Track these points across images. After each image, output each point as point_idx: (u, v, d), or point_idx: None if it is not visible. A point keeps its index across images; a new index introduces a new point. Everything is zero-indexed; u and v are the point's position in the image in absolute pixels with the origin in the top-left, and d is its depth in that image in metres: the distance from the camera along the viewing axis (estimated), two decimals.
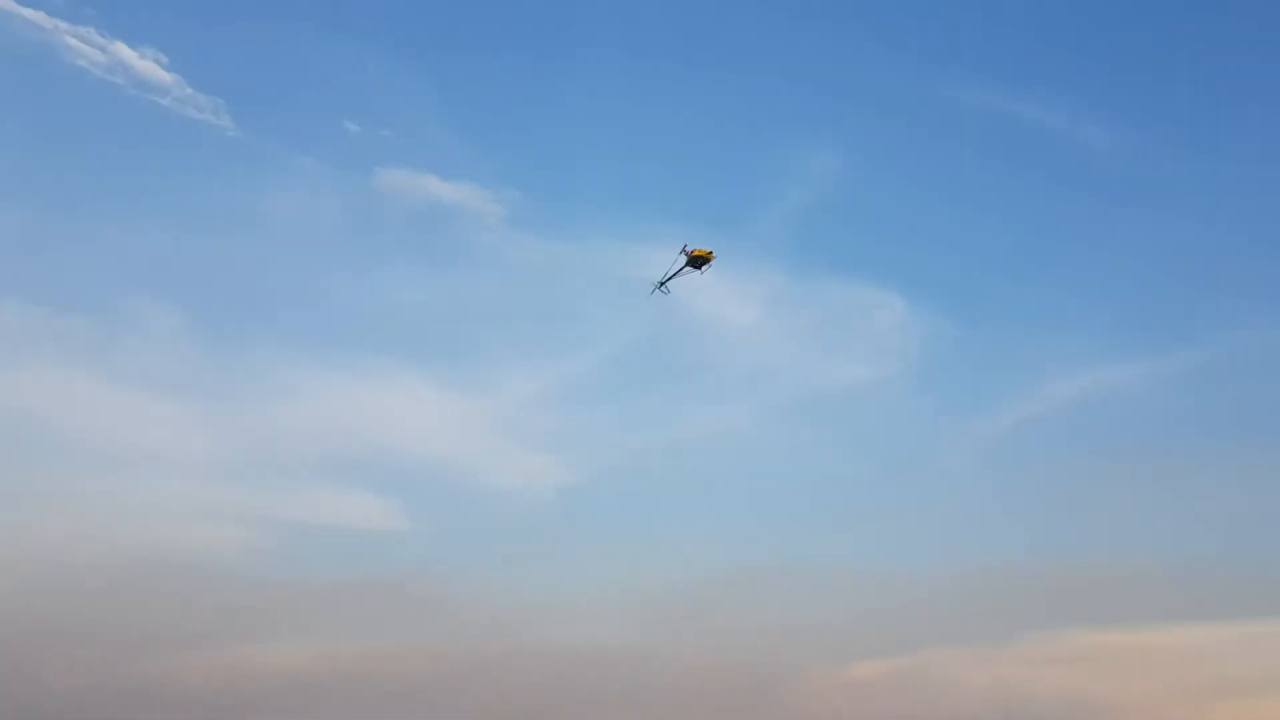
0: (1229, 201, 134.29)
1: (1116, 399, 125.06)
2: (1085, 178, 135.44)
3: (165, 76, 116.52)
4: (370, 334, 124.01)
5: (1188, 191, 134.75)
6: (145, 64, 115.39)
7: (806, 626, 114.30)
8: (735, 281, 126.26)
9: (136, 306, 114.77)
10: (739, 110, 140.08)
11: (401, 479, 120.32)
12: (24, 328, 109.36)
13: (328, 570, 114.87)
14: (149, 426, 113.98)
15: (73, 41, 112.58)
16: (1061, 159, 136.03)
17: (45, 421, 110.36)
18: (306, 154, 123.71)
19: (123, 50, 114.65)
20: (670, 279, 37.42)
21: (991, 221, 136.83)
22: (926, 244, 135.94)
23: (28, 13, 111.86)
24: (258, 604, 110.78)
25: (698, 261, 40.60)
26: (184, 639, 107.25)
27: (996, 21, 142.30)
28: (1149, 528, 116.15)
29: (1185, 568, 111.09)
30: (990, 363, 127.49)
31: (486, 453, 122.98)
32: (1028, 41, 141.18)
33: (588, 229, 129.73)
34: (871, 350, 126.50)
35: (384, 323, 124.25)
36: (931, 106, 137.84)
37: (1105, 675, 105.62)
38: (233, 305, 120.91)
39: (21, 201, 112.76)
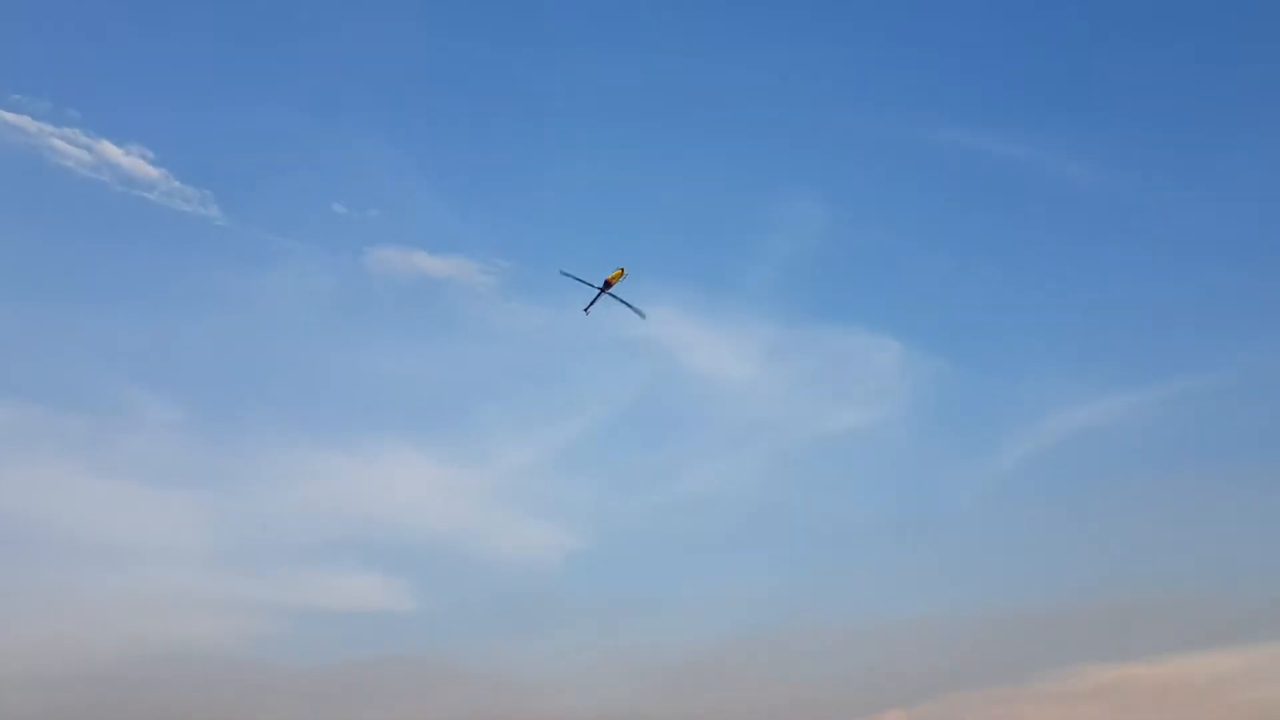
0: (1214, 228, 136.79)
1: (1119, 429, 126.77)
2: (1071, 213, 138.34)
3: (152, 171, 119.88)
4: (366, 411, 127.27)
5: (1174, 221, 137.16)
6: (131, 160, 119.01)
7: (824, 682, 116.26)
8: (730, 335, 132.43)
9: (133, 399, 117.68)
10: (722, 168, 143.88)
11: (405, 557, 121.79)
12: (23, 427, 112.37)
13: (337, 654, 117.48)
14: (149, 519, 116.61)
15: (59, 143, 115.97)
16: (1045, 195, 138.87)
17: (45, 520, 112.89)
18: (296, 238, 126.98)
19: (109, 149, 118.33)
20: (593, 305, 38.78)
21: (981, 260, 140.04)
22: (917, 286, 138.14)
23: (11, 117, 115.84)
24: (268, 693, 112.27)
25: (609, 285, 42.72)
26: None
27: (972, 62, 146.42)
28: (1162, 557, 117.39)
29: (1202, 595, 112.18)
30: (990, 401, 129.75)
31: (489, 524, 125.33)
32: (1004, 81, 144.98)
33: (578, 293, 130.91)
34: (870, 394, 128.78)
35: (379, 399, 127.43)
36: (912, 150, 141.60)
37: (1129, 709, 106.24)
38: (229, 392, 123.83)
39: (15, 301, 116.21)
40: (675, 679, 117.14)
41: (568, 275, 44.48)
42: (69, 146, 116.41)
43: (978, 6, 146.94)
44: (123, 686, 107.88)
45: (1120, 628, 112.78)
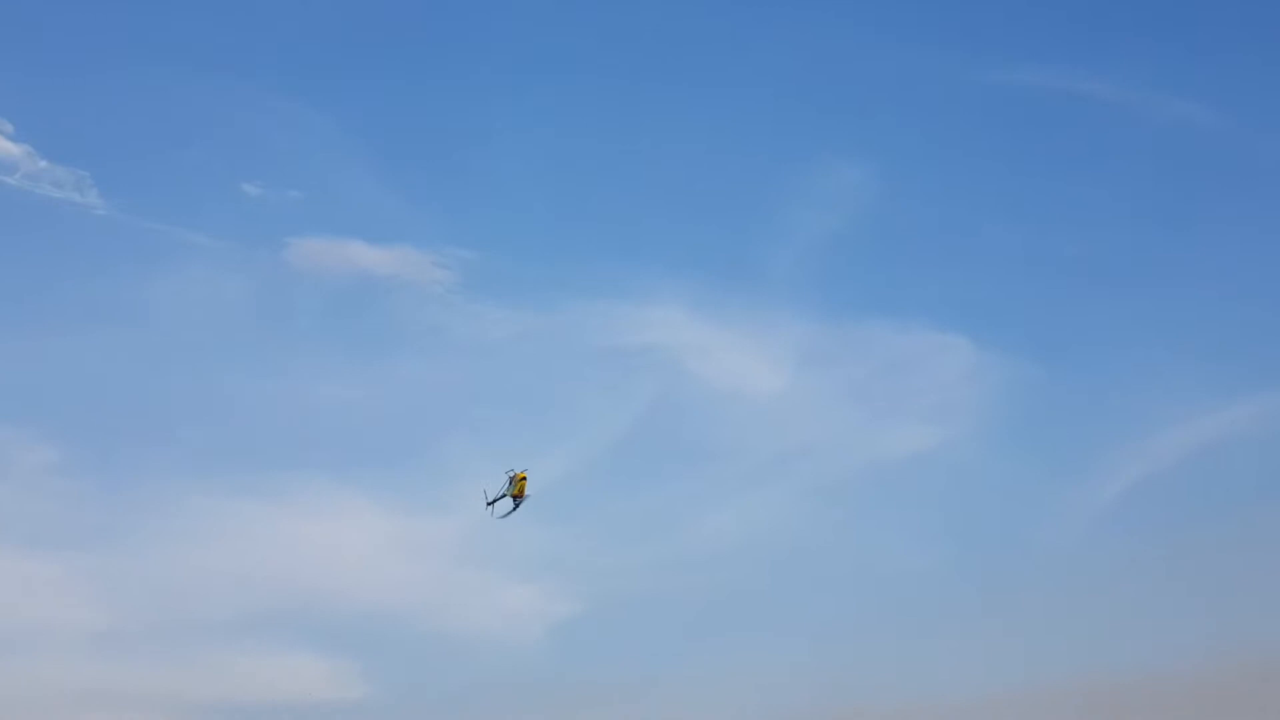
0: None
1: (1253, 445, 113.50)
2: (1188, 164, 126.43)
3: (12, 149, 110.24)
4: (295, 449, 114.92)
5: None
6: None
7: None
8: (754, 338, 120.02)
9: None
10: (737, 128, 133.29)
11: (350, 632, 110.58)
12: None
13: None
14: (22, 593, 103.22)
15: None
16: (1152, 143, 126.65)
17: None
18: (197, 229, 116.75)
19: None
20: (498, 500, 36.12)
21: (1071, 231, 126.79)
22: (991, 268, 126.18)
23: None
24: None
25: (517, 499, 38.87)
26: None
27: None
28: None
29: None
30: (1088, 411, 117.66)
31: (454, 589, 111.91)
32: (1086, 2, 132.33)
33: (562, 291, 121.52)
34: (935, 408, 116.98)
35: (310, 434, 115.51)
36: (976, 96, 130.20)
37: None
38: (119, 429, 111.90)
39: None
40: None
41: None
42: None
43: None
44: None
45: (1263, 699, 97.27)
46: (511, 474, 35.69)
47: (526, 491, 37.52)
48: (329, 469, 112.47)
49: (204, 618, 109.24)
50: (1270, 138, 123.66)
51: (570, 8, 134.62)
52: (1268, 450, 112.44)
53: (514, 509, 37.09)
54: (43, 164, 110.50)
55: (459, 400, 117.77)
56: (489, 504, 36.35)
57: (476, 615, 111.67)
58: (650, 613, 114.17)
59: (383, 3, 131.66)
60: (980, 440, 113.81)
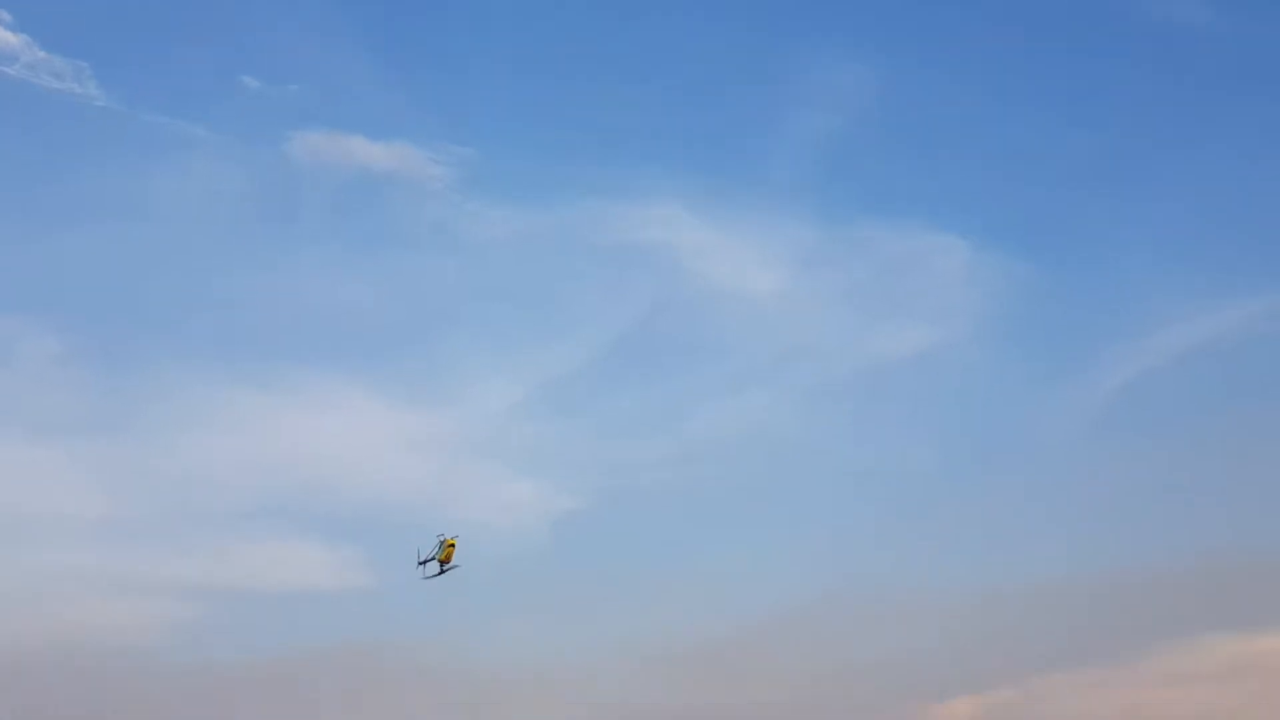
0: None
1: (1247, 345, 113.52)
2: (1191, 63, 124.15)
3: (11, 39, 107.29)
4: (298, 342, 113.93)
5: None
6: None
7: (880, 664, 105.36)
8: (753, 239, 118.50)
9: (3, 330, 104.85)
10: (737, 27, 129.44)
11: (356, 523, 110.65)
12: None
13: (274, 644, 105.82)
14: (31, 481, 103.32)
15: None
16: (1155, 38, 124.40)
17: None
18: (197, 122, 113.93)
19: None
20: (427, 561, 36.04)
21: (1073, 127, 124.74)
22: (991, 168, 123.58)
23: None
24: (192, 693, 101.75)
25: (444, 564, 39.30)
26: None
27: None
28: None
29: None
30: (1085, 309, 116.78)
31: (458, 482, 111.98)
32: None
33: (562, 189, 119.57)
34: (932, 310, 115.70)
35: (314, 327, 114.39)
36: None
37: (1263, 691, 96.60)
38: (121, 320, 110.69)
39: None
40: (689, 669, 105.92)
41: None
42: None
43: None
44: (13, 688, 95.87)
45: (1251, 592, 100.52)
46: (442, 539, 36.22)
47: (455, 559, 37.61)
48: (331, 362, 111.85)
49: (209, 507, 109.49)
50: (1273, 41, 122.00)
51: None
52: (1264, 350, 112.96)
53: (440, 572, 37.48)
54: (42, 54, 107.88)
55: (459, 297, 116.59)
56: (420, 563, 36.70)
57: (479, 508, 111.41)
58: (651, 507, 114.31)
59: None
60: (977, 340, 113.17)
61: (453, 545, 35.43)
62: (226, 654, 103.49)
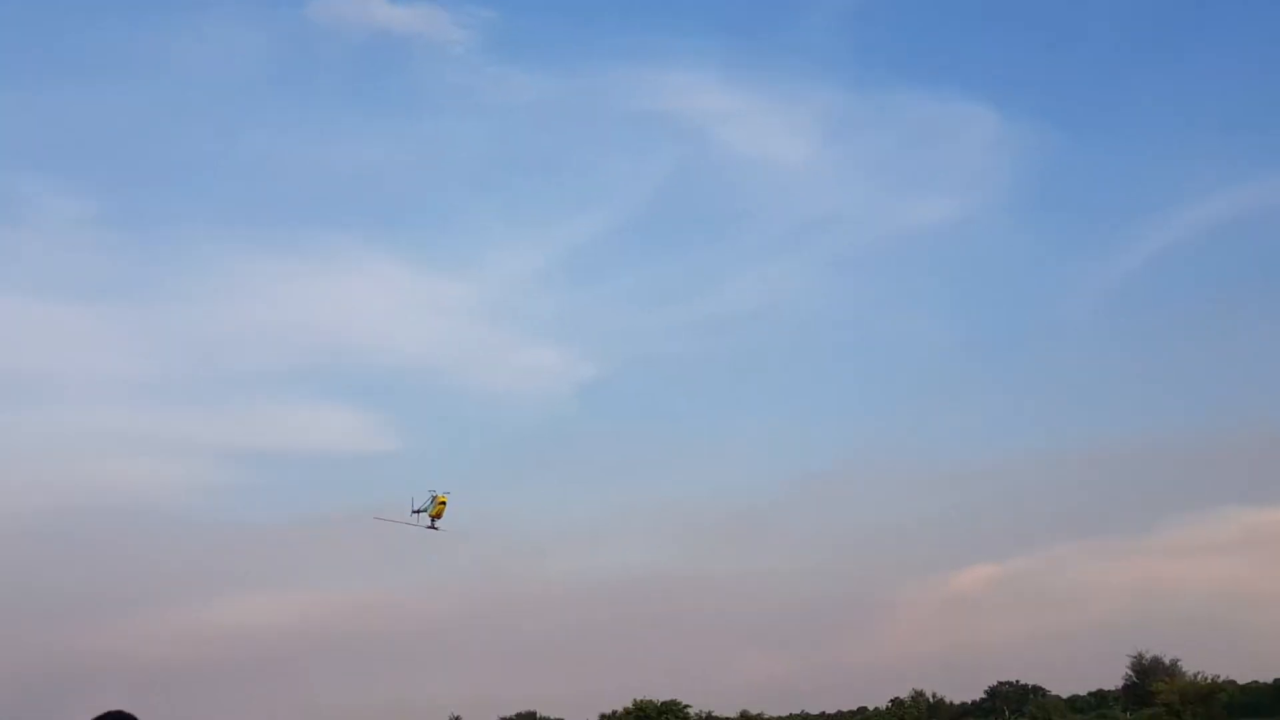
0: None
1: (1275, 219, 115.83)
2: None
3: None
4: (321, 206, 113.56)
5: None
6: None
7: (898, 532, 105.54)
8: (779, 105, 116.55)
9: (28, 193, 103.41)
10: None
11: (382, 387, 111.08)
12: None
13: (305, 505, 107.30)
14: (62, 342, 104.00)
15: None
16: None
17: None
18: None
19: None
20: (419, 512, 35.26)
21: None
22: (1023, 37, 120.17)
23: None
24: (222, 551, 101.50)
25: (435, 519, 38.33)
26: (132, 599, 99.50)
27: None
28: None
29: None
30: (1115, 181, 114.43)
31: (483, 348, 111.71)
32: None
33: (585, 53, 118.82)
34: (959, 181, 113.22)
35: (337, 191, 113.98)
36: None
37: (1273, 560, 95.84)
38: (147, 181, 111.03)
39: None
40: (709, 534, 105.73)
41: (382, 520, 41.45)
42: None
43: None
44: (39, 545, 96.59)
45: (1265, 465, 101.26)
46: (433, 494, 35.76)
47: (444, 515, 37.31)
48: (354, 227, 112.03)
49: (237, 370, 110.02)
50: None
51: None
52: None
53: (430, 525, 37.19)
54: None
55: (482, 162, 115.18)
56: (414, 511, 36.29)
57: (503, 374, 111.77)
58: (673, 376, 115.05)
59: None
60: (1004, 212, 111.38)
61: (444, 502, 35.53)
62: (257, 513, 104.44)
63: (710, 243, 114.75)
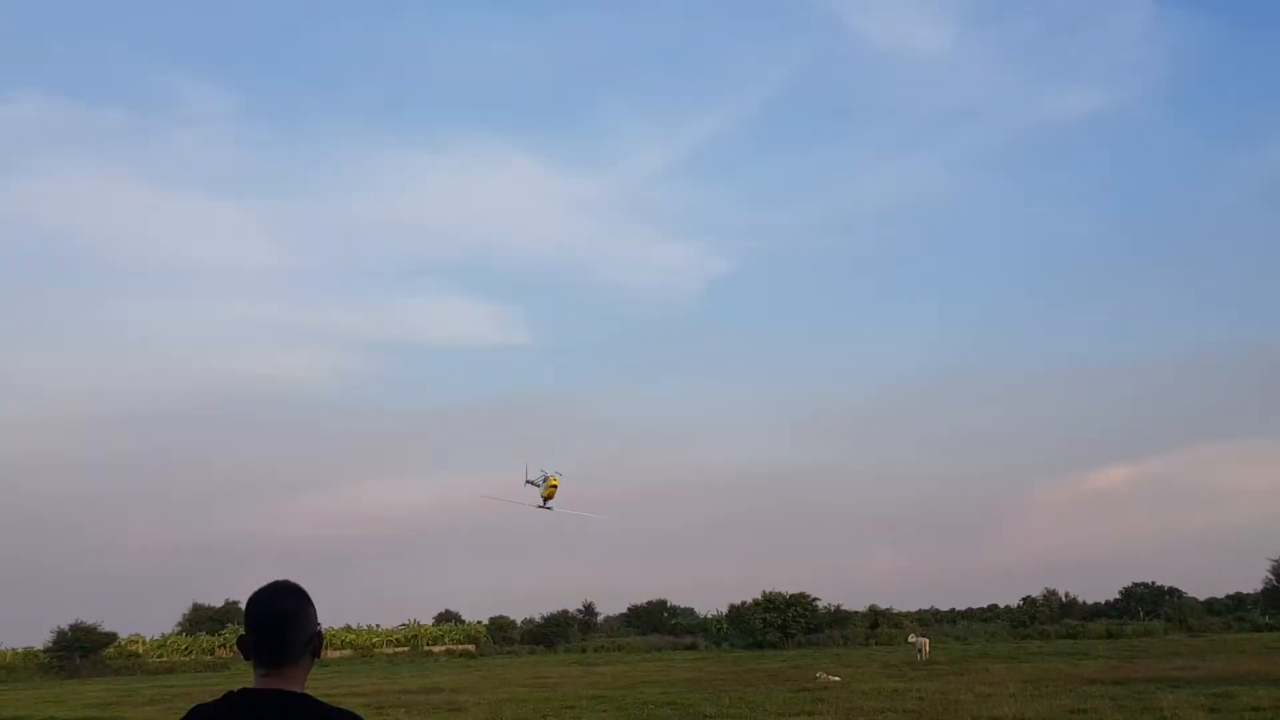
0: None
1: None
2: None
3: None
4: (456, 100, 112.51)
5: None
6: None
7: (1032, 432, 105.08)
8: None
9: (177, 89, 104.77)
10: None
11: (517, 282, 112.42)
12: (48, 126, 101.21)
13: (441, 396, 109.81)
14: (209, 235, 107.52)
15: None
16: None
17: (87, 239, 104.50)
18: None
19: None
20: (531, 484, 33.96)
21: None
22: None
23: None
24: (362, 439, 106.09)
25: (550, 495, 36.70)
26: (278, 484, 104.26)
27: None
28: None
29: None
30: (1268, 71, 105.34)
31: (614, 243, 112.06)
32: None
33: None
34: (1106, 70, 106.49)
35: (472, 85, 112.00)
36: None
37: None
38: (293, 76, 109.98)
39: None
40: (837, 431, 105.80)
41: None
42: None
43: None
44: (189, 433, 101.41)
45: None
46: (545, 474, 35.01)
47: (555, 497, 36.49)
48: (488, 122, 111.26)
49: (377, 263, 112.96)
50: None
51: None
52: None
53: (543, 505, 36.50)
54: None
55: (615, 59, 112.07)
56: (527, 482, 35.57)
57: (634, 269, 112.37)
58: (804, 272, 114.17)
59: None
60: (1153, 103, 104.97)
61: (555, 485, 34.99)
62: (396, 403, 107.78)
63: (843, 137, 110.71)
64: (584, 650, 60.12)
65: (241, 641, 2.85)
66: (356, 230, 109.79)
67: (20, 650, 58.25)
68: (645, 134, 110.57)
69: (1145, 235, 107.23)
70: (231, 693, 2.81)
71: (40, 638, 56.87)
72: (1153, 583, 70.37)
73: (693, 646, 60.65)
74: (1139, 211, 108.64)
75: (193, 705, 2.87)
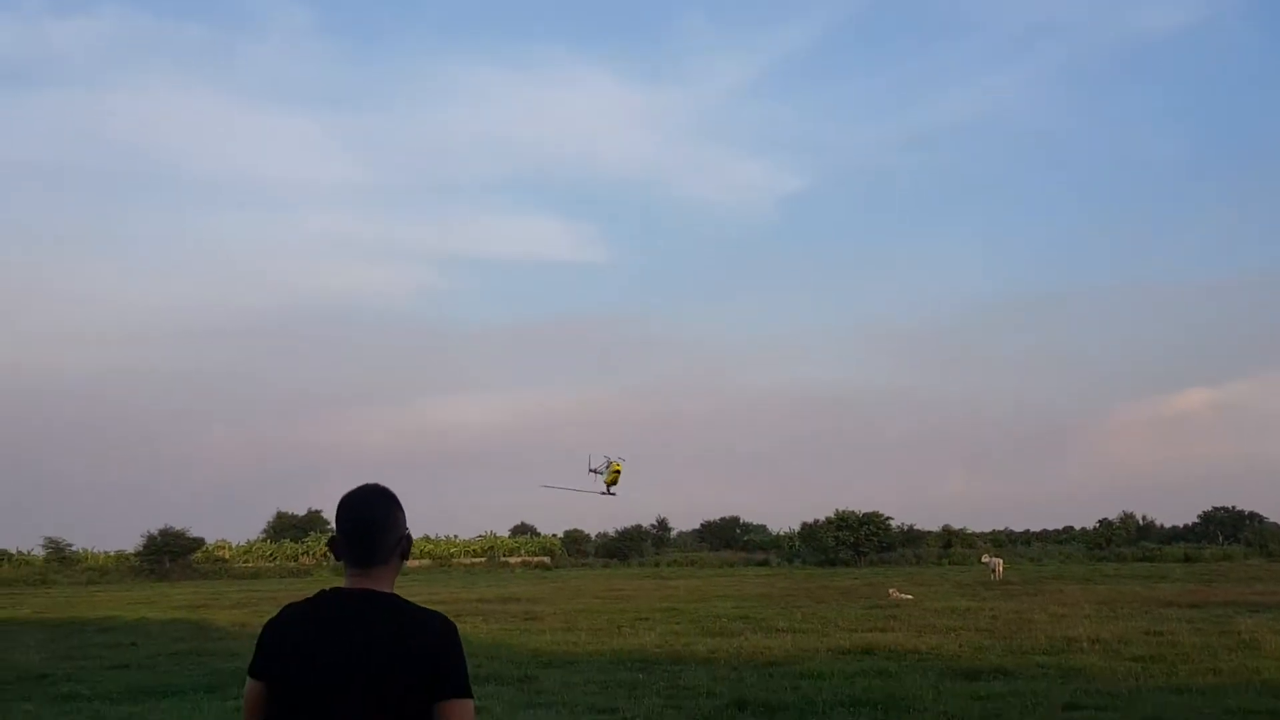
0: None
1: None
2: None
3: None
4: (534, 15, 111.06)
5: None
6: None
7: (1111, 355, 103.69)
8: None
9: (255, 3, 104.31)
10: None
11: (592, 199, 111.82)
12: (127, 40, 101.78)
13: (517, 312, 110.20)
14: (287, 149, 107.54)
15: None
16: None
17: (167, 153, 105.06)
18: None
19: None
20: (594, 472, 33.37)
21: None
22: None
23: None
24: (439, 353, 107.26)
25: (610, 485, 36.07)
26: (356, 395, 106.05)
27: None
28: None
29: None
30: None
31: (690, 161, 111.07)
32: None
33: None
34: None
35: (551, 3, 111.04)
36: None
37: None
38: None
39: None
40: (913, 353, 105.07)
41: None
42: None
43: None
44: (272, 344, 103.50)
45: None
46: (609, 460, 33.89)
47: (618, 483, 35.28)
48: (564, 38, 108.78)
49: (457, 179, 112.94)
50: None
51: None
52: None
53: (606, 491, 35.42)
54: None
55: None
56: (590, 470, 34.65)
57: (710, 186, 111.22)
58: (882, 190, 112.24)
59: None
60: (1246, 16, 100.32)
61: (618, 470, 34.43)
62: (470, 318, 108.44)
63: (925, 51, 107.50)
64: (657, 564, 60.91)
65: (332, 542, 2.93)
66: (432, 146, 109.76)
67: (112, 553, 60.41)
68: (722, 49, 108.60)
69: (1232, 155, 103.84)
70: (323, 592, 2.90)
71: (131, 542, 58.70)
72: (1232, 507, 69.35)
73: (765, 563, 61.10)
74: (1227, 130, 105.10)
75: (283, 606, 2.95)
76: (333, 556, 3.03)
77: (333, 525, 3.03)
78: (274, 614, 2.92)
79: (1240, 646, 14.08)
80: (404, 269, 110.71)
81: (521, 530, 74.86)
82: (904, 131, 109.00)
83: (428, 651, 2.75)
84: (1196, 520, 70.36)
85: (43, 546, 57.74)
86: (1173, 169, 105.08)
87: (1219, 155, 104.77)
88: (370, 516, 2.89)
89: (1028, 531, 74.91)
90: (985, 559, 39.38)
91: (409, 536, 2.98)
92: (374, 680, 2.73)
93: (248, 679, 2.87)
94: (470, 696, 2.80)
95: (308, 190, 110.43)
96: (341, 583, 2.93)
